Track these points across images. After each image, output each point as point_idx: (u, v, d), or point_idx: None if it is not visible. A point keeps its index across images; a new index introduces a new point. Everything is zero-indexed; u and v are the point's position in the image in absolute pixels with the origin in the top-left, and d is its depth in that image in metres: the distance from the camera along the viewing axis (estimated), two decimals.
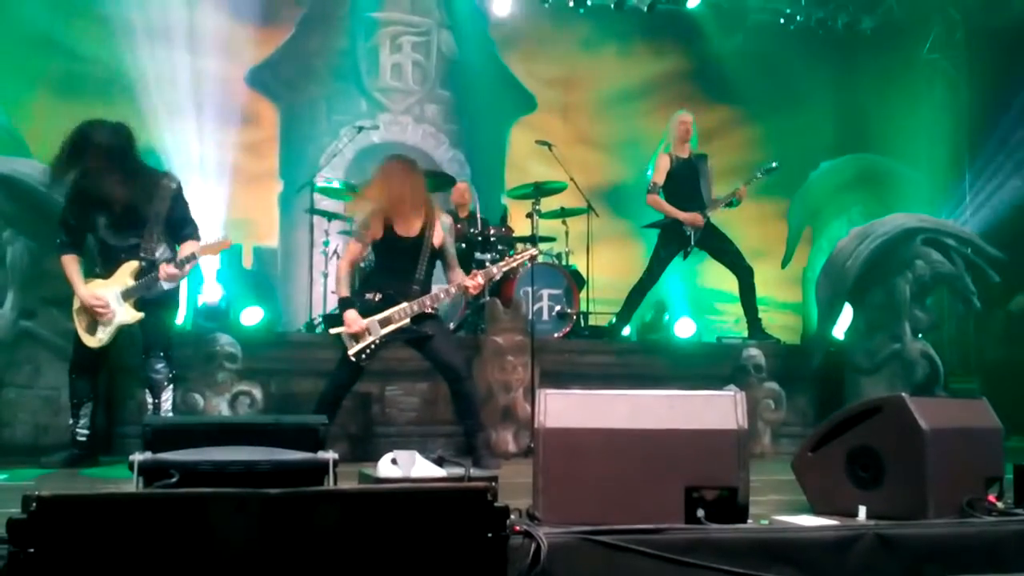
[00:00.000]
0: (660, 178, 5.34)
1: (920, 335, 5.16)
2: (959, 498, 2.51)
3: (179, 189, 3.74)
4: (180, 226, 3.74)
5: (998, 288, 5.27)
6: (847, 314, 5.35)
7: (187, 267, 3.67)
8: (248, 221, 6.79)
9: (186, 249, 3.68)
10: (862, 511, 2.47)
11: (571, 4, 7.22)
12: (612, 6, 7.25)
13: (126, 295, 3.67)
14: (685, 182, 5.33)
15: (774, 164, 5.52)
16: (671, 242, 5.39)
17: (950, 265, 5.08)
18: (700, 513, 2.29)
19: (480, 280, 3.84)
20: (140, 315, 3.68)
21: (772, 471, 3.50)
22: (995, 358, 6.44)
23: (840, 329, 5.43)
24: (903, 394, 2.62)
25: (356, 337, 3.75)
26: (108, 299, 3.65)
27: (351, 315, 3.74)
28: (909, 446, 2.48)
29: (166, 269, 3.64)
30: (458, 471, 2.55)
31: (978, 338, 6.72)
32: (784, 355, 5.28)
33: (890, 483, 2.51)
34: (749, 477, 2.35)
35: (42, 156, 5.26)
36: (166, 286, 3.74)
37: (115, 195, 3.59)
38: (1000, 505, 2.58)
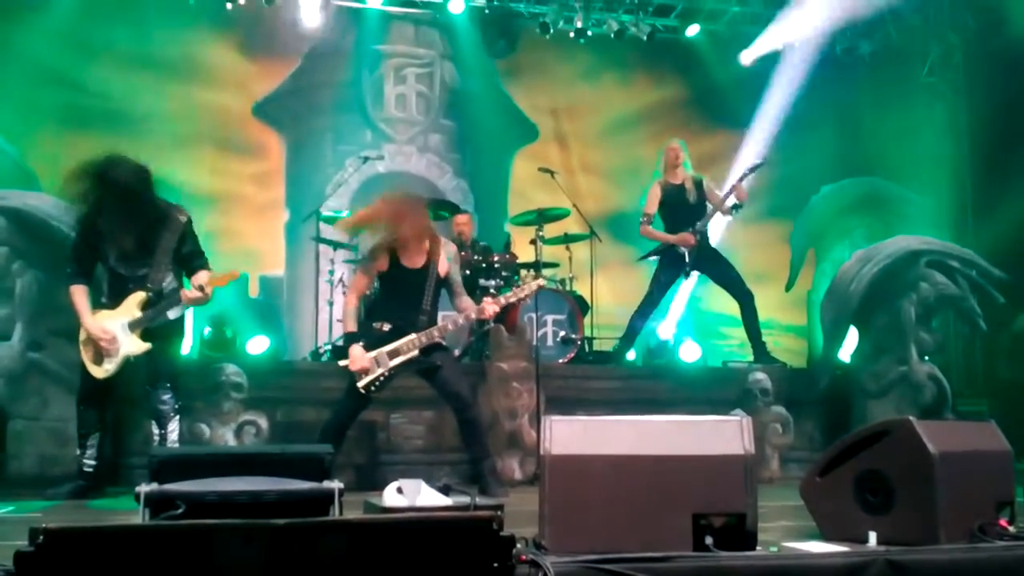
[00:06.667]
0: (652, 208, 5.40)
1: (926, 357, 5.14)
2: (970, 523, 2.48)
3: (189, 222, 3.78)
4: (190, 258, 3.78)
5: (1004, 309, 5.25)
6: (853, 337, 5.34)
7: (207, 292, 3.68)
8: (254, 250, 6.85)
9: (199, 279, 3.71)
10: (872, 537, 2.44)
11: (572, 35, 7.33)
12: (612, 36, 7.36)
13: (133, 325, 3.68)
14: (679, 207, 5.37)
15: (759, 161, 5.52)
16: (670, 266, 5.42)
17: (955, 287, 5.07)
18: (708, 540, 2.27)
19: (495, 309, 3.87)
20: (147, 345, 3.69)
21: (780, 496, 3.47)
22: (1003, 379, 6.39)
23: (846, 352, 5.42)
24: (910, 418, 2.60)
25: (364, 370, 3.76)
26: (115, 331, 3.66)
27: (355, 351, 3.76)
28: (918, 470, 2.46)
29: (188, 294, 3.67)
30: (464, 500, 2.54)
31: (985, 360, 6.69)
32: (790, 379, 5.26)
33: (900, 508, 2.49)
34: (757, 503, 2.33)
35: (52, 189, 5.35)
36: (172, 316, 3.76)
37: (127, 228, 3.63)
38: (1012, 529, 2.55)
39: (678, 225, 5.37)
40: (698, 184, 5.44)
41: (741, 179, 5.35)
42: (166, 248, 3.69)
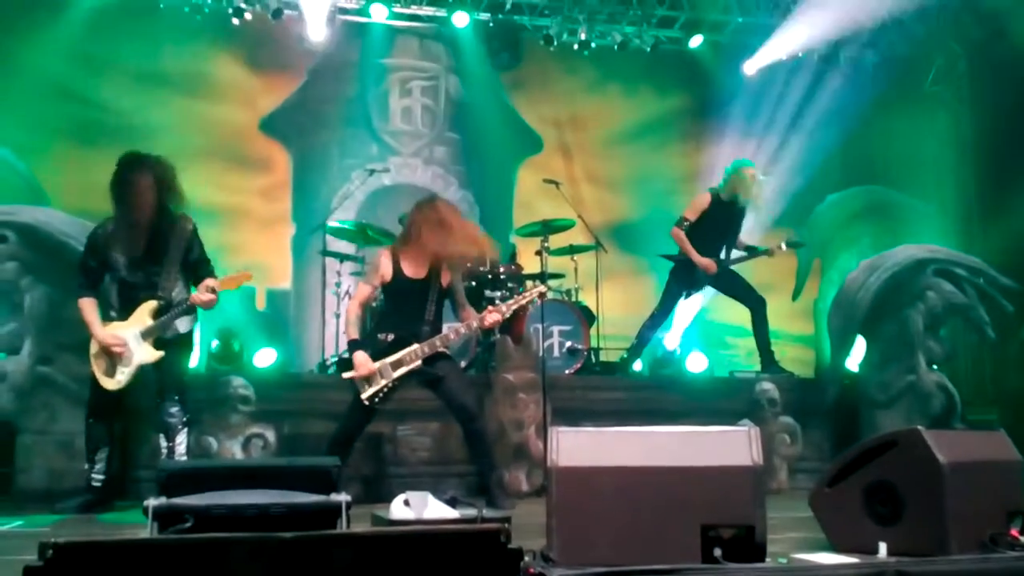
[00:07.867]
0: (692, 215, 5.35)
1: (935, 366, 5.11)
2: (981, 533, 2.47)
3: (195, 230, 3.82)
4: (197, 265, 3.81)
5: (1012, 318, 5.22)
6: (860, 346, 5.31)
7: (216, 293, 3.71)
8: (261, 264, 6.87)
9: (208, 283, 3.73)
10: (883, 548, 2.43)
11: (576, 47, 7.37)
12: (616, 47, 7.40)
13: (145, 334, 3.70)
14: (718, 226, 5.34)
15: (800, 241, 5.88)
16: (683, 279, 5.41)
17: (962, 295, 5.05)
18: (717, 552, 2.26)
19: (496, 318, 3.87)
20: (160, 353, 3.71)
21: (789, 507, 3.45)
22: (1013, 388, 6.35)
23: (854, 361, 5.39)
24: (919, 427, 2.59)
25: (368, 380, 3.77)
26: (126, 338, 3.69)
27: (360, 357, 3.76)
28: (927, 480, 2.45)
29: (197, 296, 3.68)
30: (471, 512, 2.54)
31: (994, 369, 6.64)
32: (798, 388, 5.24)
33: (910, 519, 2.47)
34: (766, 514, 2.32)
35: (61, 204, 5.39)
36: (181, 328, 3.78)
37: (135, 234, 3.68)
38: (1023, 539, 2.53)
39: (706, 242, 5.32)
40: (742, 210, 5.41)
41: (791, 244, 5.61)
42: (174, 256, 3.72)
